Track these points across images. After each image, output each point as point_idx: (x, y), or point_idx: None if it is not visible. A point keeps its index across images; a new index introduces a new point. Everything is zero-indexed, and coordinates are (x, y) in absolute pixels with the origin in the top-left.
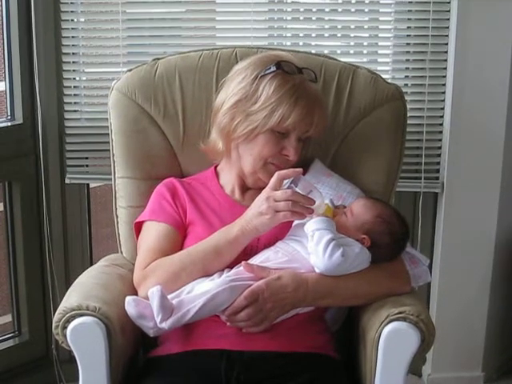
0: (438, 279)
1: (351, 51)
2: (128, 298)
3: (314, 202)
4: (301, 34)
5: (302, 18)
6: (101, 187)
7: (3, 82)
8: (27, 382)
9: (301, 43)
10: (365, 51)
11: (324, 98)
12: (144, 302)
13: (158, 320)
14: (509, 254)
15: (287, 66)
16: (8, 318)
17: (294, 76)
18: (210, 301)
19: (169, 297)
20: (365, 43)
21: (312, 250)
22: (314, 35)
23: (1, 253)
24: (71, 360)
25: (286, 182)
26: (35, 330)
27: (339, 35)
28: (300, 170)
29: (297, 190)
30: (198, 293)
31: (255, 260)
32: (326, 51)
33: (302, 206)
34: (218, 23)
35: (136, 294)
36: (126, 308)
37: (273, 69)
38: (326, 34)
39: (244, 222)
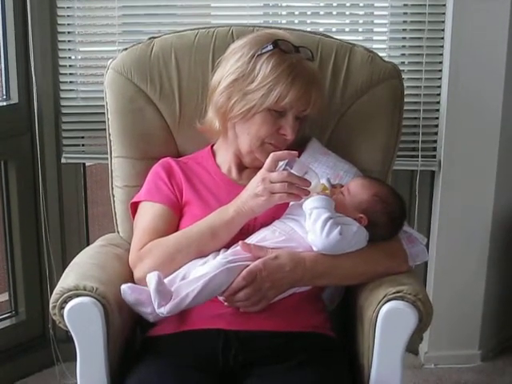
0: (435, 257)
1: (347, 29)
2: (123, 287)
3: (310, 184)
4: (296, 12)
5: None
6: (96, 165)
7: None
8: (24, 362)
9: (296, 21)
10: (360, 29)
11: (321, 77)
12: (139, 288)
13: (155, 305)
14: (506, 231)
15: (284, 45)
16: (5, 297)
17: (290, 55)
18: (208, 283)
19: (166, 281)
20: (361, 21)
21: (309, 228)
22: (309, 13)
23: None
24: (68, 339)
25: (281, 163)
26: (32, 309)
27: (335, 13)
28: (295, 152)
29: (292, 171)
30: (196, 276)
31: (252, 239)
32: (321, 29)
33: (298, 188)
34: (213, 1)
35: (132, 274)
36: (122, 296)
37: (270, 47)
38: (322, 12)
39: (240, 203)
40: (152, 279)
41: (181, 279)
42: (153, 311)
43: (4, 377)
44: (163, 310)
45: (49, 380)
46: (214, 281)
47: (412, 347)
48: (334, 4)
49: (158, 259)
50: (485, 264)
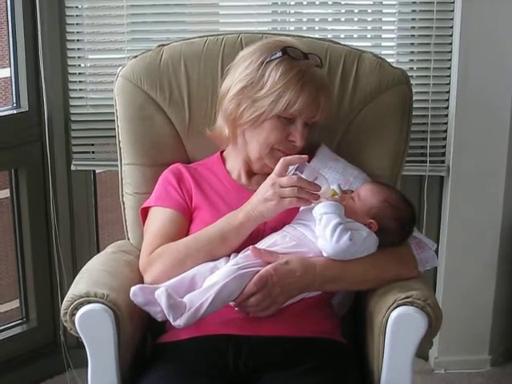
0: (445, 263)
1: (355, 35)
2: (133, 289)
3: (320, 188)
4: (304, 19)
5: (305, 2)
6: (106, 172)
7: (8, 69)
8: (35, 369)
9: (304, 28)
10: (369, 35)
11: (329, 84)
12: (149, 287)
13: (171, 319)
14: None
15: (293, 52)
16: (16, 304)
17: (299, 61)
18: (221, 291)
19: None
20: (369, 27)
21: (320, 234)
22: (317, 20)
23: (8, 240)
24: (79, 346)
25: (291, 168)
26: (43, 316)
27: (343, 19)
28: (305, 156)
29: (303, 176)
30: (208, 285)
31: (262, 244)
32: (329, 36)
33: (308, 192)
34: (221, 9)
35: (143, 279)
36: (131, 298)
37: (279, 54)
38: (330, 19)
39: (250, 207)
40: (162, 296)
41: (189, 281)
42: (161, 310)
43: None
44: (180, 322)
45: None
46: (226, 288)
47: (422, 352)
48: (343, 10)
49: (167, 264)
50: (494, 269)
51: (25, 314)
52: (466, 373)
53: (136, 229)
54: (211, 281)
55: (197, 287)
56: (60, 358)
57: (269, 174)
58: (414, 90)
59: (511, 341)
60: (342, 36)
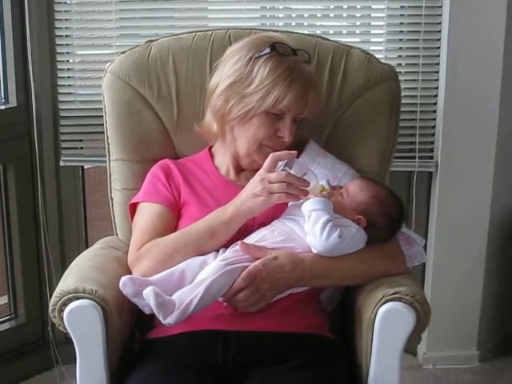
0: (433, 258)
1: (344, 31)
2: (123, 279)
3: (309, 184)
4: (293, 15)
5: None
6: (94, 168)
7: None
8: (24, 364)
9: (293, 24)
10: (357, 31)
11: (318, 79)
12: (139, 279)
13: (161, 318)
14: (503, 232)
15: (281, 48)
16: (4, 300)
17: (288, 58)
18: (209, 288)
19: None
20: (358, 23)
21: (309, 231)
22: (306, 15)
23: None
24: (67, 342)
25: (280, 164)
26: (31, 312)
27: (332, 15)
28: (294, 152)
29: (291, 172)
30: (196, 282)
31: (251, 239)
32: (318, 31)
33: (297, 188)
34: (210, 4)
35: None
36: (121, 288)
37: (267, 50)
38: (319, 15)
39: (238, 203)
40: (150, 295)
41: (178, 275)
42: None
43: (3, 379)
44: (170, 320)
45: (48, 382)
46: (214, 284)
47: (410, 348)
48: (331, 6)
49: (156, 259)
50: (482, 264)
51: (13, 310)
52: (455, 368)
53: (124, 224)
54: (200, 277)
55: (186, 281)
56: (48, 353)
57: (257, 170)
58: (403, 85)
59: (499, 336)
60: (331, 32)
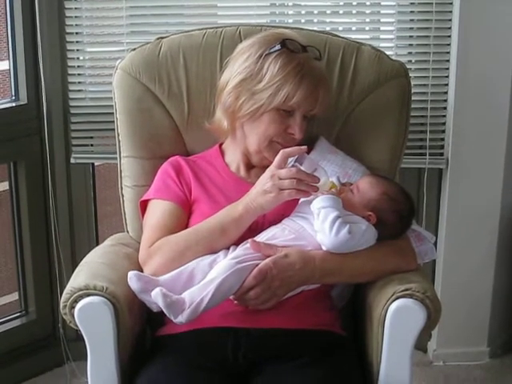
0: (443, 255)
1: (353, 28)
2: (130, 274)
3: (319, 180)
4: (303, 12)
5: None
6: (104, 165)
7: (7, 62)
8: (34, 361)
9: (303, 20)
10: (367, 28)
11: (328, 76)
12: (146, 276)
13: (172, 318)
14: None
15: (292, 45)
16: (15, 296)
17: (298, 54)
18: (220, 286)
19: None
20: (367, 20)
21: (318, 228)
22: (316, 12)
23: (7, 232)
24: (78, 338)
25: (290, 160)
26: (42, 308)
27: (341, 12)
28: (305, 147)
29: (302, 168)
30: (207, 280)
31: (262, 237)
32: (328, 28)
33: (307, 184)
34: (219, 1)
35: (142, 272)
36: (128, 283)
37: (277, 47)
38: (328, 11)
39: (249, 200)
40: (158, 297)
41: (188, 275)
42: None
43: (14, 376)
44: (181, 319)
45: (59, 379)
46: (226, 282)
47: (421, 345)
48: (341, 3)
49: (167, 256)
50: (493, 261)
51: (24, 307)
52: (465, 365)
53: (135, 221)
54: (211, 276)
55: (195, 281)
56: (59, 350)
57: (268, 167)
58: (413, 82)
59: (510, 333)
60: (340, 28)
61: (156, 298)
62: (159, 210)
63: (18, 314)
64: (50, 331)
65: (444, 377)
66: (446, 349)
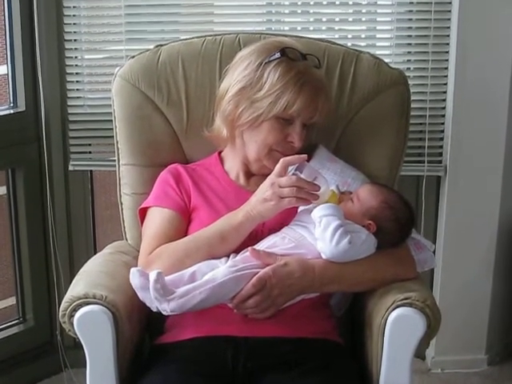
0: (442, 262)
1: (350, 36)
2: (133, 269)
3: (319, 188)
4: (299, 19)
5: (299, 3)
6: (100, 171)
7: (5, 68)
8: (32, 368)
9: (299, 28)
10: (364, 35)
11: (328, 84)
12: (148, 274)
13: (157, 303)
14: None
15: (291, 53)
16: (12, 301)
17: (298, 62)
18: (216, 289)
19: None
20: (365, 27)
21: (319, 237)
22: (312, 20)
23: (5, 239)
24: (76, 346)
25: (290, 168)
26: (40, 316)
27: (337, 19)
28: (304, 156)
29: (302, 176)
30: (204, 280)
31: (262, 245)
32: (324, 36)
33: (307, 192)
34: (216, 9)
35: None
36: (130, 279)
37: (277, 55)
38: (324, 19)
39: (249, 207)
40: (152, 276)
41: (189, 276)
42: None
43: (12, 383)
44: (166, 307)
45: None
46: (222, 287)
47: (419, 352)
48: (338, 11)
49: (167, 264)
50: (491, 269)
51: (21, 314)
52: (463, 372)
53: (134, 229)
54: (208, 277)
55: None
56: (57, 358)
57: (267, 175)
58: (412, 90)
59: (508, 340)
60: (337, 36)
61: (150, 277)
62: (158, 217)
63: (16, 321)
64: (48, 338)
65: None
66: (445, 356)
